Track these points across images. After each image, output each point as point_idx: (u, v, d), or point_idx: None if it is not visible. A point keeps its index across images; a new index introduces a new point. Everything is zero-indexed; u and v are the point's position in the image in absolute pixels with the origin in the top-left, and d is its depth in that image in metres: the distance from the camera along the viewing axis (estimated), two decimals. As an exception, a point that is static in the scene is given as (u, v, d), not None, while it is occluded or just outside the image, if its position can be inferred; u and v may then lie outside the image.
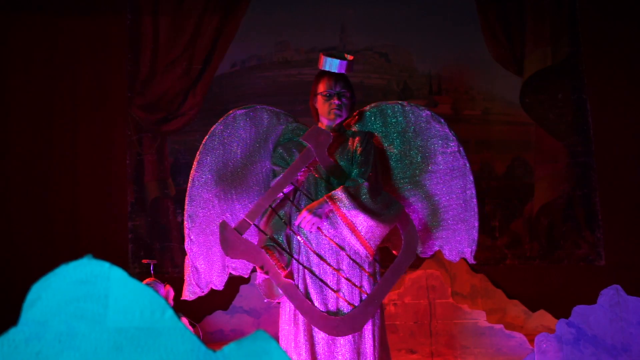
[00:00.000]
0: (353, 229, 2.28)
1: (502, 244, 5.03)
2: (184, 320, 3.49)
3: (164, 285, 3.00)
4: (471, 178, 2.54)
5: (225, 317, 4.61)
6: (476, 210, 2.53)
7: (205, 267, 2.50)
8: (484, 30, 5.24)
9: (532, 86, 5.19)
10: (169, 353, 0.94)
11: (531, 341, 3.16)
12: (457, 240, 2.55)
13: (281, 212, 2.45)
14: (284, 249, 2.38)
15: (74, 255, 4.68)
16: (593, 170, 5.04)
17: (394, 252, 2.51)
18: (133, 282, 0.96)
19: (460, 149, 2.55)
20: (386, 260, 2.47)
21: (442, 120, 2.57)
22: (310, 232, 2.36)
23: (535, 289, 4.84)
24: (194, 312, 3.82)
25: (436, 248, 2.58)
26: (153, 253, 4.89)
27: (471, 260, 2.55)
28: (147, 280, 3.00)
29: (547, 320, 4.60)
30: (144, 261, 3.30)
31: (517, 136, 5.17)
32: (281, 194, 2.41)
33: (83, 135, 5.08)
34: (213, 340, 4.44)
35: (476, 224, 2.53)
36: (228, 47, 5.24)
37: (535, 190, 5.10)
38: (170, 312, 0.95)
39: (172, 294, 3.07)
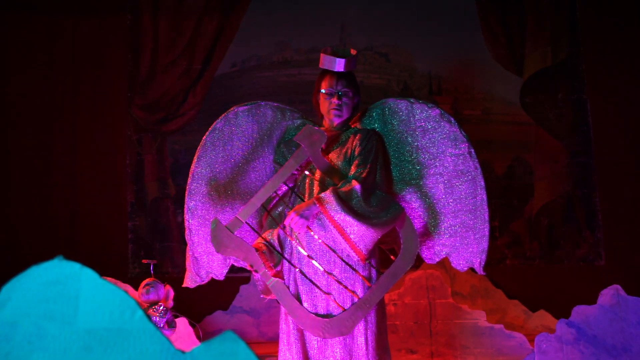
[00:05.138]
0: (342, 232, 2.22)
1: (502, 244, 5.03)
2: (184, 320, 3.49)
3: (164, 285, 2.99)
4: (482, 183, 2.39)
5: (225, 317, 4.61)
6: (487, 217, 2.38)
7: (205, 257, 2.52)
8: (484, 30, 5.24)
9: (532, 86, 5.19)
10: (138, 354, 0.94)
11: (531, 341, 3.16)
12: (465, 249, 2.41)
13: (275, 213, 2.43)
14: (274, 249, 2.36)
15: (74, 255, 4.67)
16: (593, 170, 5.04)
17: (392, 257, 2.39)
18: (104, 283, 0.96)
19: (472, 150, 2.40)
20: (384, 264, 2.41)
21: (453, 120, 2.43)
22: (300, 233, 2.32)
23: (535, 289, 4.84)
24: (194, 312, 3.82)
25: (443, 255, 2.45)
26: (153, 253, 4.89)
27: (480, 272, 2.41)
28: (147, 280, 2.99)
29: (547, 320, 4.60)
30: (144, 261, 3.29)
31: (517, 136, 5.17)
32: (274, 193, 2.39)
33: (83, 135, 5.09)
34: (213, 340, 4.43)
35: (486, 233, 2.38)
36: (228, 47, 5.24)
37: (535, 190, 5.10)
38: (140, 313, 0.95)
39: (172, 294, 3.07)
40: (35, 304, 0.96)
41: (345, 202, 2.23)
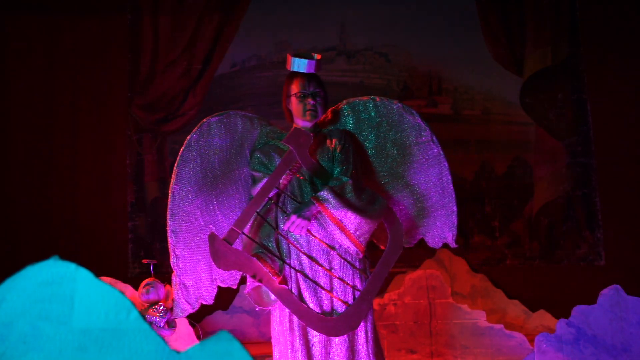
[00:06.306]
0: (342, 228, 2.28)
1: (502, 244, 5.03)
2: (184, 320, 3.48)
3: (164, 285, 2.99)
4: (446, 165, 2.56)
5: (225, 317, 4.61)
6: (454, 195, 2.56)
7: (193, 283, 2.47)
8: (484, 30, 5.24)
9: (532, 86, 5.19)
10: (133, 354, 0.94)
11: (531, 341, 3.16)
12: (438, 226, 2.57)
13: (268, 218, 2.42)
14: (274, 255, 2.36)
15: (74, 255, 4.68)
16: (593, 170, 5.04)
17: (381, 247, 2.52)
18: (99, 283, 0.96)
19: (434, 137, 2.56)
20: (372, 256, 2.48)
21: (414, 111, 2.58)
22: (300, 235, 2.34)
23: (535, 289, 4.84)
24: (194, 312, 3.82)
25: (419, 236, 2.60)
26: (153, 253, 4.89)
27: (453, 245, 2.57)
28: (147, 280, 2.99)
29: (547, 320, 4.60)
30: (144, 261, 3.29)
31: (517, 136, 5.17)
32: (266, 199, 2.39)
33: (83, 135, 5.09)
34: (213, 340, 4.43)
35: (455, 209, 2.55)
36: (228, 47, 5.24)
37: (535, 190, 5.10)
38: (135, 313, 0.95)
39: (172, 293, 3.07)
40: (30, 304, 0.95)
41: (343, 198, 2.30)
